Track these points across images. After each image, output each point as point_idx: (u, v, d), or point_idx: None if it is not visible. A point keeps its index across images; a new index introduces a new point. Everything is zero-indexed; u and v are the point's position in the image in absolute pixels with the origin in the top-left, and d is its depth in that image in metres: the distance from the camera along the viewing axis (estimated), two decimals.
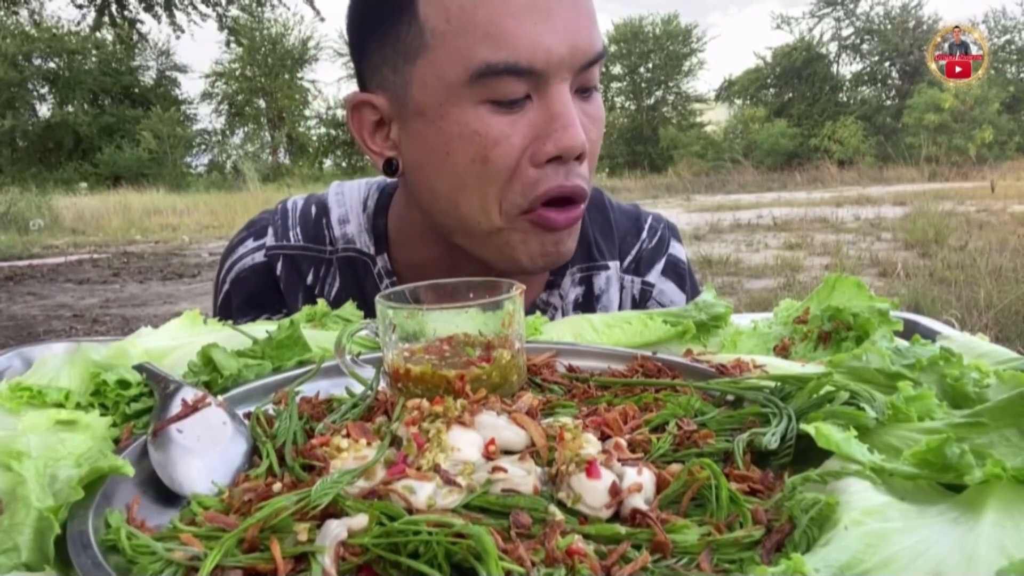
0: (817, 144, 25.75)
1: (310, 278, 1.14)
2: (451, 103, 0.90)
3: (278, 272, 1.14)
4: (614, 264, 1.19)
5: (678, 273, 1.23)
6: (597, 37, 0.93)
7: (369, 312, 1.00)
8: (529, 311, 1.14)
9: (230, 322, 0.89)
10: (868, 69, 30.44)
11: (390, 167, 1.00)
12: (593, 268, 1.17)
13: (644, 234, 1.23)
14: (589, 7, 0.93)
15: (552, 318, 1.14)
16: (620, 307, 1.19)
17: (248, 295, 1.14)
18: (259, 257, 1.15)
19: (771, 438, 0.57)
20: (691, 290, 1.24)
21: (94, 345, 0.75)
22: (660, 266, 1.22)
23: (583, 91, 0.95)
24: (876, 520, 0.43)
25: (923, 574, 0.40)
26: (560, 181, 0.91)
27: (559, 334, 0.89)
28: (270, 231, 1.16)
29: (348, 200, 1.17)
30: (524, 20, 0.86)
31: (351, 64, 1.08)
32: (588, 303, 1.17)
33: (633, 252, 1.22)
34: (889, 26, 28.74)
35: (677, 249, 1.25)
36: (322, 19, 12.39)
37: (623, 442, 0.56)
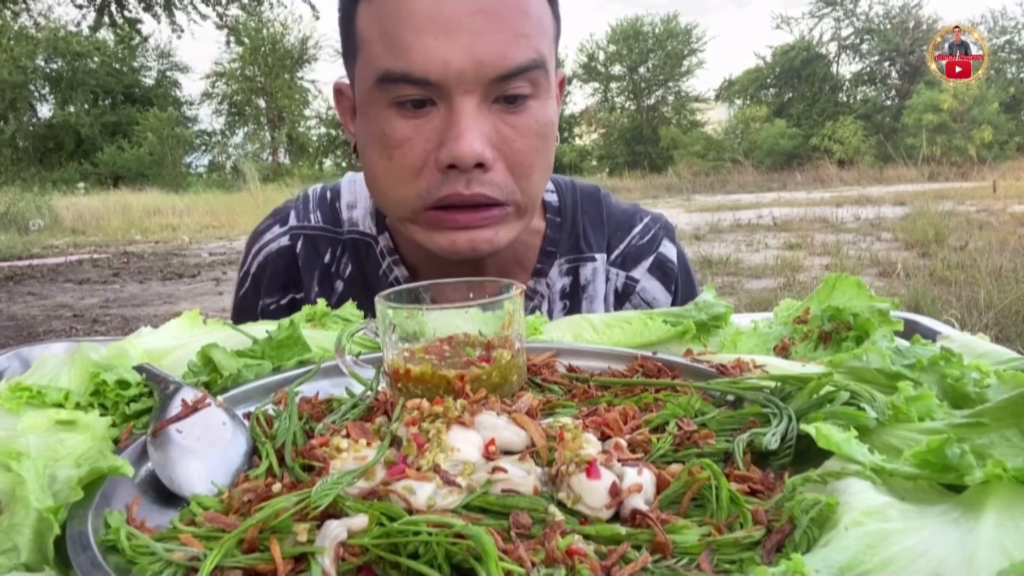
0: (817, 144, 25.74)
1: (327, 257, 1.21)
2: (369, 103, 0.97)
3: (298, 251, 1.21)
4: (601, 256, 1.22)
5: (664, 272, 1.25)
6: (519, 50, 0.92)
7: (373, 292, 1.06)
8: None
9: (230, 322, 0.89)
10: (868, 69, 30.45)
11: (356, 151, 1.09)
12: (580, 259, 1.22)
13: (636, 231, 1.26)
14: (513, 22, 0.91)
15: (539, 306, 1.19)
16: (604, 299, 1.22)
17: (274, 276, 1.21)
18: (284, 240, 1.22)
19: (771, 438, 0.57)
20: (686, 290, 1.26)
21: (94, 345, 0.75)
22: (647, 263, 1.25)
23: (509, 100, 0.95)
24: (876, 520, 0.43)
25: (923, 575, 0.39)
26: (458, 189, 0.94)
27: (559, 334, 0.89)
28: (292, 215, 1.24)
29: (358, 186, 1.24)
30: (424, 33, 0.90)
31: None
32: (575, 292, 1.21)
33: (622, 247, 1.24)
34: (889, 26, 28.74)
35: (668, 249, 1.26)
36: (317, 17, 12.37)
37: (623, 442, 0.56)
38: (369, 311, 1.14)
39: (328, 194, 1.25)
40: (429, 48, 0.89)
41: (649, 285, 1.24)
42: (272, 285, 1.21)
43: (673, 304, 1.23)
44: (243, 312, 1.24)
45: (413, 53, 0.90)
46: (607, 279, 1.23)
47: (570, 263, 1.21)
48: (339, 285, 1.20)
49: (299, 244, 1.21)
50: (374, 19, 0.94)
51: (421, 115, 0.93)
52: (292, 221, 1.22)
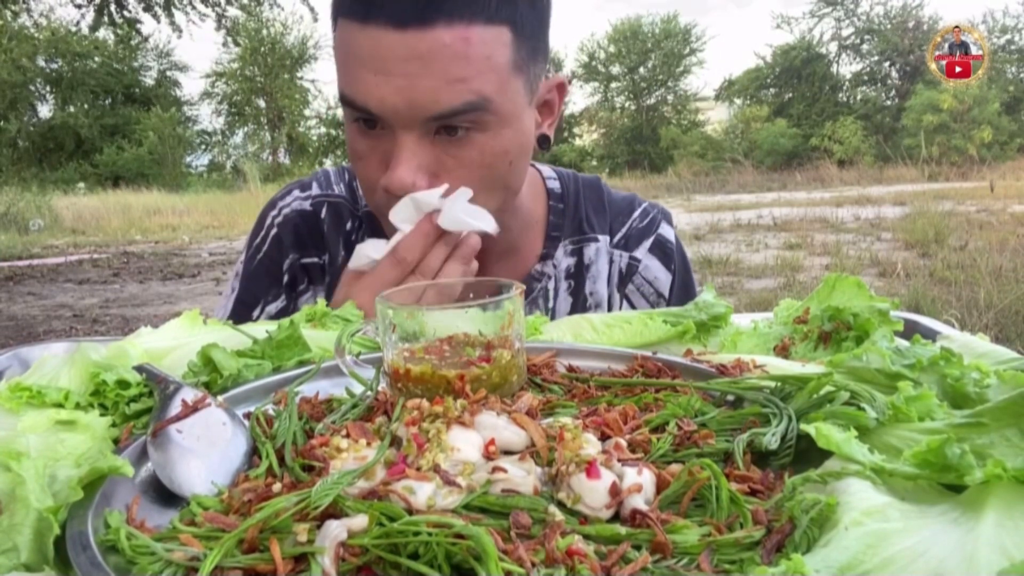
0: (817, 144, 25.73)
1: (349, 225, 1.26)
2: (344, 113, 1.04)
3: (323, 216, 1.26)
4: (604, 238, 1.29)
5: (664, 252, 1.31)
6: (454, 94, 0.95)
7: None
8: (524, 281, 1.23)
9: (230, 322, 0.89)
10: (868, 69, 30.44)
11: None
12: (584, 240, 1.28)
13: (635, 214, 1.33)
14: (448, 68, 0.94)
15: (546, 287, 1.25)
16: (608, 279, 1.28)
17: (296, 235, 1.26)
18: (306, 205, 1.27)
19: (771, 438, 0.57)
20: (683, 274, 1.32)
21: (94, 345, 0.75)
22: (648, 244, 1.31)
23: (450, 131, 0.99)
24: (876, 521, 0.43)
25: (923, 575, 0.39)
26: None
27: (559, 334, 0.89)
28: (315, 184, 1.29)
29: None
30: (364, 69, 0.96)
31: None
32: (579, 272, 1.27)
33: (624, 230, 1.31)
34: (889, 26, 28.73)
35: (667, 231, 1.33)
36: (316, 19, 12.40)
37: (623, 442, 0.56)
38: None
39: (346, 173, 1.31)
40: (368, 84, 0.96)
41: (651, 264, 1.30)
42: (294, 243, 1.25)
43: (672, 285, 1.30)
44: (261, 277, 1.25)
45: (357, 85, 0.97)
46: (611, 261, 1.29)
47: (574, 244, 1.28)
48: None
49: (324, 210, 1.26)
50: (338, 41, 1.01)
51: (375, 135, 1.01)
52: (315, 190, 1.27)
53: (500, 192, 1.07)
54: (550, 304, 1.26)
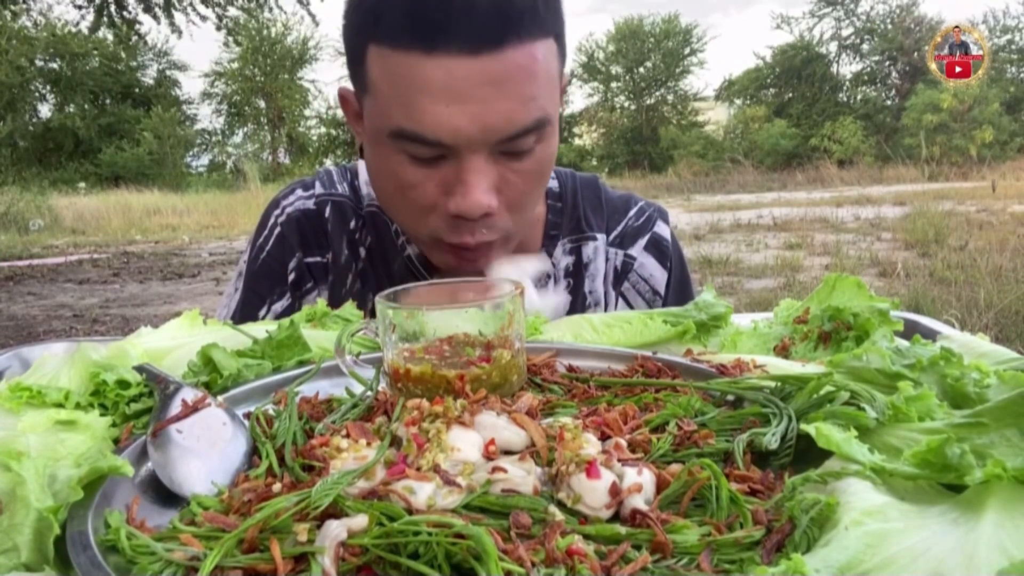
0: (817, 144, 25.72)
1: (352, 224, 1.25)
2: (381, 143, 1.00)
3: (326, 215, 1.25)
4: (601, 236, 1.30)
5: (660, 250, 1.32)
6: (526, 114, 0.95)
7: (391, 265, 1.23)
8: None
9: (230, 322, 0.89)
10: (868, 69, 30.43)
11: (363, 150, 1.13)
12: (582, 239, 1.29)
13: (631, 213, 1.34)
14: (522, 88, 0.94)
15: (545, 285, 1.25)
16: (605, 278, 1.29)
17: (300, 233, 1.24)
18: (309, 204, 1.26)
19: (771, 438, 0.57)
20: (679, 271, 1.32)
21: (94, 345, 0.75)
22: (643, 242, 1.31)
23: (513, 153, 0.98)
24: (876, 520, 0.43)
25: (923, 575, 0.39)
26: (464, 238, 1.01)
27: (559, 334, 0.89)
28: (318, 184, 1.28)
29: None
30: (437, 100, 0.92)
31: None
32: (578, 270, 1.28)
33: (619, 228, 1.32)
34: (890, 26, 28.71)
35: (662, 228, 1.33)
36: (316, 24, 12.39)
37: (623, 442, 0.56)
38: (387, 281, 1.18)
39: (348, 172, 1.31)
40: (441, 116, 0.92)
41: (646, 262, 1.30)
42: (298, 243, 1.25)
43: (668, 282, 1.30)
44: (264, 277, 1.25)
45: (426, 118, 0.93)
46: (607, 259, 1.29)
47: (573, 243, 1.28)
48: (362, 252, 1.25)
49: (327, 209, 1.25)
50: (386, 71, 0.95)
51: (431, 165, 0.98)
52: (318, 189, 1.27)
53: (542, 194, 1.09)
54: None
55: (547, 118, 0.97)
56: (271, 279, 1.25)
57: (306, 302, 1.24)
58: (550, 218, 1.27)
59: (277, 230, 1.26)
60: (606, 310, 1.28)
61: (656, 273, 1.30)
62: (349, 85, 1.09)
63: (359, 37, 0.98)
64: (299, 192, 1.28)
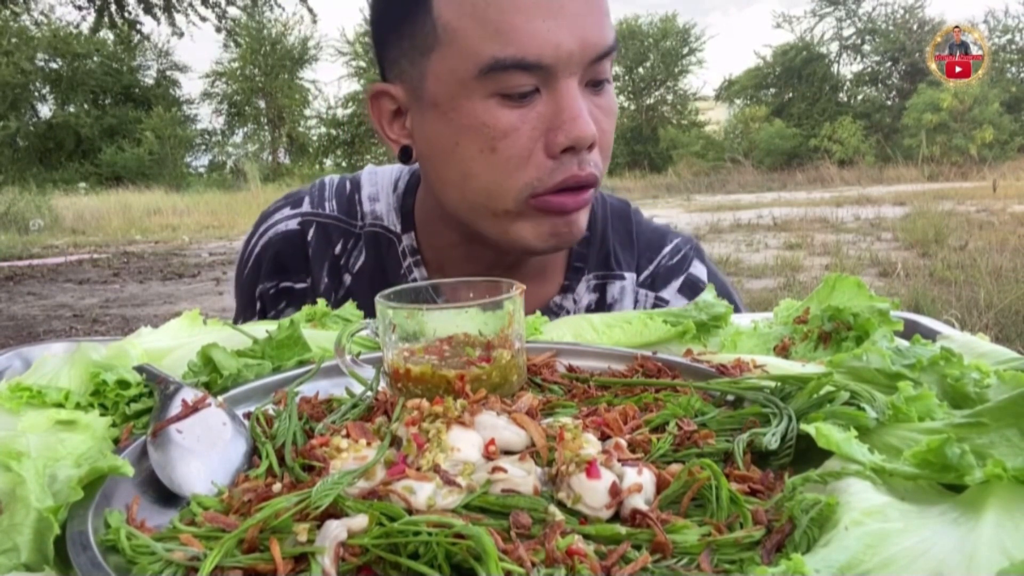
0: (817, 144, 25.70)
1: (338, 248, 1.18)
2: (462, 96, 0.93)
3: (309, 238, 1.18)
4: (630, 276, 1.19)
5: (695, 293, 1.19)
6: (608, 30, 0.95)
7: (390, 287, 1.08)
8: (543, 312, 1.14)
9: (230, 322, 0.89)
10: (869, 69, 30.43)
11: (405, 154, 1.05)
12: (609, 277, 1.19)
13: (666, 250, 1.23)
14: (602, 2, 0.95)
15: (567, 310, 1.17)
16: None
17: (276, 259, 1.19)
18: (292, 224, 1.19)
19: (771, 438, 0.57)
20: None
21: (94, 345, 0.75)
22: (677, 284, 1.21)
23: (594, 84, 0.97)
24: (876, 520, 0.43)
25: (923, 575, 0.39)
26: (575, 171, 0.95)
27: (559, 334, 0.89)
28: (306, 200, 1.21)
29: (380, 180, 1.22)
30: (533, 16, 0.89)
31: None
32: (600, 310, 1.17)
33: (651, 267, 1.21)
34: (891, 26, 28.70)
35: (699, 269, 1.22)
36: (315, 20, 12.39)
37: (623, 442, 0.56)
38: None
39: (347, 185, 1.22)
40: (540, 32, 0.89)
41: (680, 305, 1.20)
42: (273, 269, 1.19)
43: None
44: (241, 295, 1.23)
45: (524, 38, 0.89)
46: (636, 300, 1.20)
47: (598, 279, 1.18)
48: (347, 279, 1.18)
49: (311, 232, 1.18)
50: (465, 8, 0.91)
51: (525, 104, 0.93)
52: (305, 207, 1.20)
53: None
54: None
55: (617, 43, 0.97)
56: (243, 300, 1.22)
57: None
58: (576, 248, 1.16)
59: (256, 252, 1.21)
60: None
61: None
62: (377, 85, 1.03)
63: None
64: (286, 211, 1.21)
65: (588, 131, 0.92)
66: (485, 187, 0.97)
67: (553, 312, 1.16)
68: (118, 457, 0.52)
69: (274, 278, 1.19)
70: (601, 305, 1.18)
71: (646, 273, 1.21)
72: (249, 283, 1.21)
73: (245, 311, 1.23)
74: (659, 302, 1.19)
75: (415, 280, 1.15)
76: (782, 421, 0.59)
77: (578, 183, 0.96)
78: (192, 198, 19.55)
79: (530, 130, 0.93)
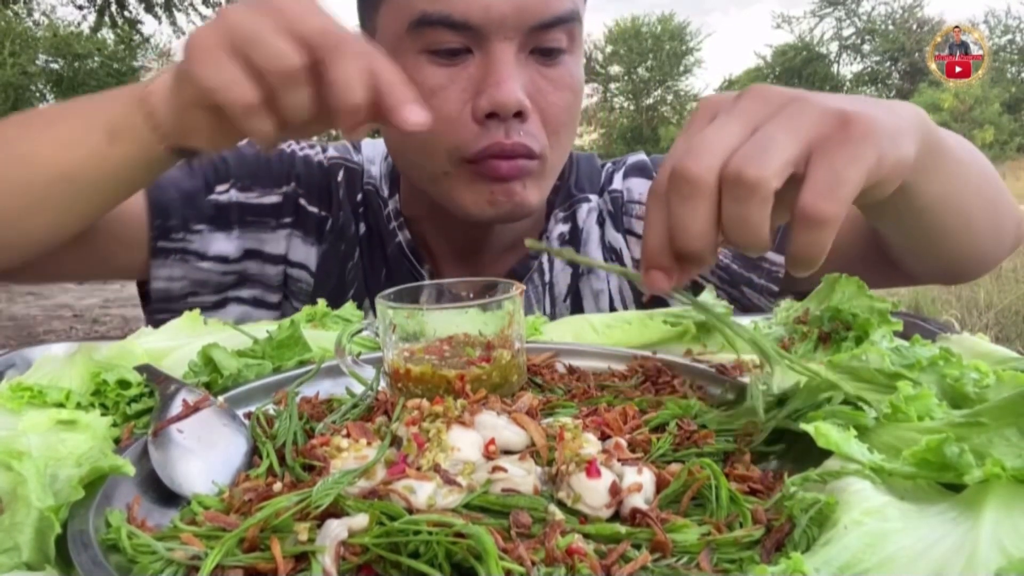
0: None
1: (359, 197, 1.17)
2: (397, 52, 0.91)
3: (339, 178, 1.16)
4: (595, 197, 1.20)
5: (640, 168, 1.23)
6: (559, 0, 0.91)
7: (384, 247, 1.15)
8: (521, 261, 1.16)
9: (230, 322, 0.90)
10: (869, 69, 30.41)
11: None
12: (575, 203, 1.19)
13: (609, 163, 1.27)
14: None
15: (540, 261, 1.16)
16: (601, 239, 1.19)
17: (314, 183, 1.14)
18: (321, 158, 1.16)
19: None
20: None
21: (94, 345, 0.75)
22: (621, 173, 1.22)
23: (544, 52, 0.93)
24: (876, 520, 0.43)
25: (923, 574, 0.40)
26: (499, 138, 0.92)
27: (559, 334, 0.89)
28: (331, 147, 1.19)
29: (376, 146, 1.22)
30: None
31: None
32: (574, 238, 1.18)
33: (602, 180, 1.23)
34: (891, 26, 28.70)
35: (636, 155, 1.25)
36: None
37: (623, 442, 0.56)
38: (382, 264, 1.15)
39: (351, 147, 1.22)
40: None
41: (631, 185, 1.21)
42: (309, 192, 1.13)
43: None
44: (252, 165, 1.12)
45: None
46: (599, 212, 1.20)
47: (565, 211, 1.19)
48: (362, 227, 1.17)
49: (340, 173, 1.16)
50: None
51: (456, 63, 0.91)
52: (331, 152, 1.18)
53: (574, 134, 1.00)
54: (546, 278, 1.17)
55: (578, 15, 0.92)
56: (264, 172, 1.10)
57: (276, 238, 1.12)
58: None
59: (296, 169, 1.13)
60: (618, 263, 1.17)
61: (645, 189, 1.19)
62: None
63: None
64: (317, 148, 1.17)
65: (512, 98, 0.88)
66: (420, 146, 0.96)
67: (531, 256, 1.16)
68: (119, 457, 0.52)
69: (294, 182, 1.12)
70: (574, 232, 1.17)
71: (599, 186, 1.22)
72: (268, 158, 1.12)
73: (266, 181, 1.12)
74: (613, 194, 1.19)
75: (401, 243, 1.15)
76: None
77: (502, 151, 0.92)
78: None
79: (460, 91, 0.91)
